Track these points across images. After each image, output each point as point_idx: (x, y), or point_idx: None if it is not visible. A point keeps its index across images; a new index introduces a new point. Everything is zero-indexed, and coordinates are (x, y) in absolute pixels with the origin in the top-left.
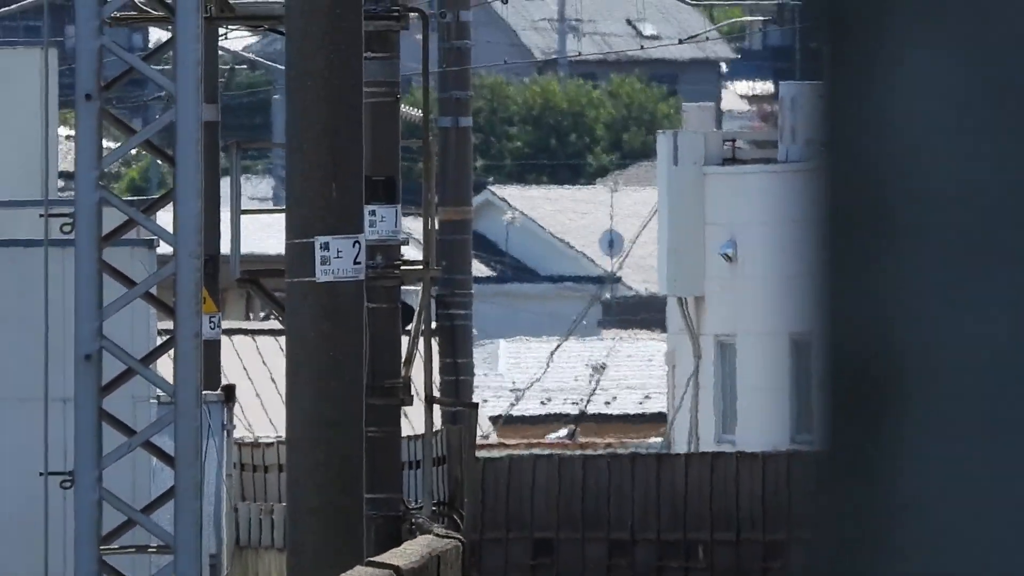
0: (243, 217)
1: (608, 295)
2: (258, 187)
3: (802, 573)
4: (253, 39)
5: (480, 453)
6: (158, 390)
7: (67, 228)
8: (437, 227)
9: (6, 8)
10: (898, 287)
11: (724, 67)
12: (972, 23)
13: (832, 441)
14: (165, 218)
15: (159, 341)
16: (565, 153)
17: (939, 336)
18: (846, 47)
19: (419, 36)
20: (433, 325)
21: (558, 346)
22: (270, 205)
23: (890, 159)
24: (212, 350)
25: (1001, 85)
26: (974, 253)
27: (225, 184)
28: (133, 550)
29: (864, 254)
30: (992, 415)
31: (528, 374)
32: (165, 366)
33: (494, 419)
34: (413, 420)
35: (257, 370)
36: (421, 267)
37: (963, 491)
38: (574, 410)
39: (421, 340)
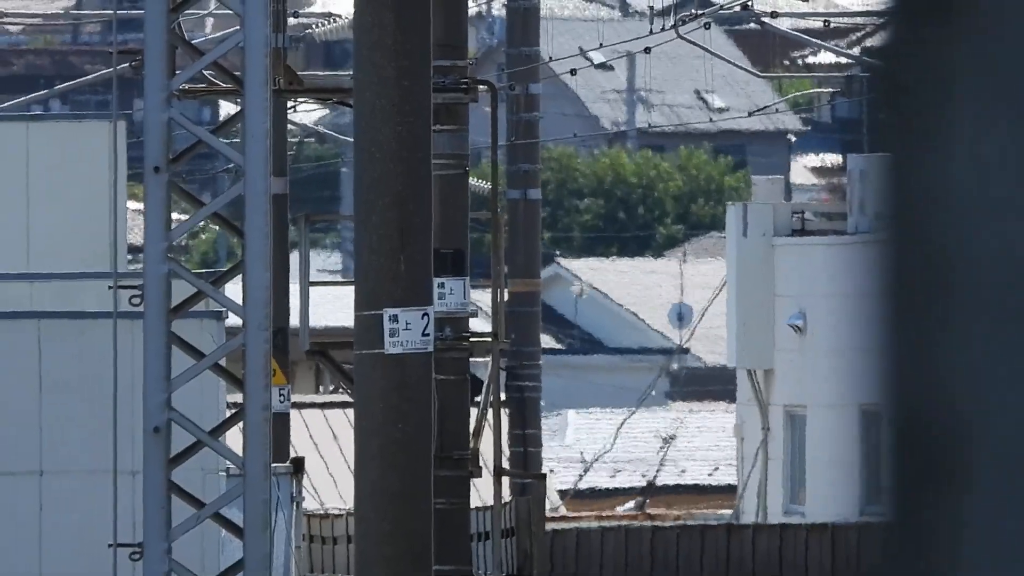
0: (312, 289)
1: (676, 366)
2: (327, 260)
3: None
4: (322, 112)
5: (549, 525)
6: (227, 462)
7: (136, 300)
8: (506, 299)
9: (77, 81)
10: (962, 358)
11: (793, 139)
12: None
13: (899, 513)
14: (234, 290)
15: (228, 413)
16: (633, 225)
17: (1003, 408)
18: (911, 120)
19: (488, 108)
20: (502, 397)
21: (627, 418)
22: (339, 278)
23: (953, 231)
24: (281, 422)
25: None
26: None
27: (294, 257)
28: None
29: (929, 326)
30: None
31: (596, 445)
32: (234, 438)
33: (563, 492)
34: (482, 492)
35: (326, 442)
36: (490, 339)
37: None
38: (643, 482)
39: (490, 412)
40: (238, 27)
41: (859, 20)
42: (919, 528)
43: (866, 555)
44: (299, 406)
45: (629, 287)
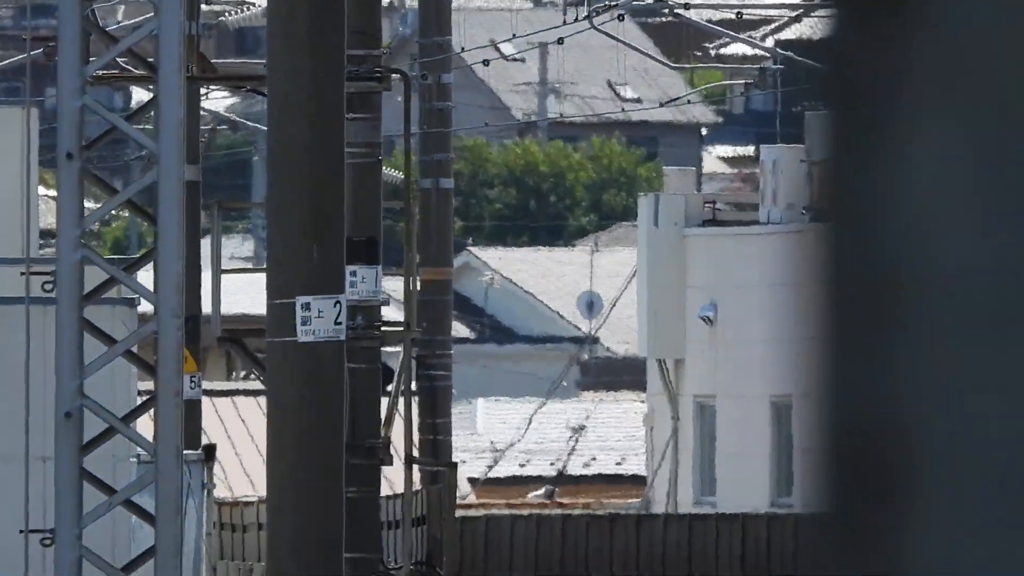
0: (224, 277)
1: (587, 356)
2: (240, 247)
3: None
4: (234, 99)
5: (459, 513)
6: (139, 449)
7: (48, 286)
8: (418, 288)
9: None
10: (903, 361)
11: (705, 131)
12: (982, 99)
13: (834, 508)
14: (146, 277)
15: (140, 400)
16: (545, 215)
17: (944, 410)
18: (856, 119)
19: (401, 98)
20: (413, 386)
21: (538, 408)
22: (251, 265)
23: (897, 232)
24: (193, 410)
25: (1011, 162)
26: (982, 328)
27: (206, 244)
28: None
29: (868, 325)
30: (999, 491)
31: (507, 435)
32: (146, 425)
33: (473, 480)
34: (392, 480)
35: (237, 430)
36: (402, 328)
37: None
38: (553, 471)
39: (401, 400)
40: (152, 14)
41: (772, 12)
42: (854, 523)
43: (803, 550)
44: (210, 393)
45: (540, 276)
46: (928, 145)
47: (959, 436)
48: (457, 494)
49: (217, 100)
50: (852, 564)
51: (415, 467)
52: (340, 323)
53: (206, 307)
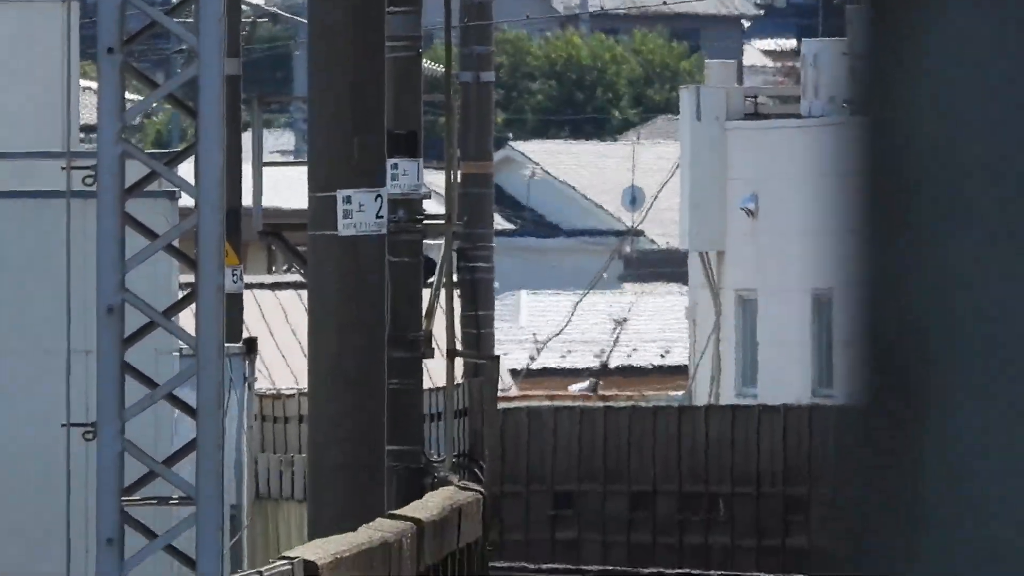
0: (265, 170)
1: (629, 249)
2: (280, 140)
3: (835, 526)
4: None
5: (501, 406)
6: (180, 343)
7: (89, 180)
8: (459, 181)
9: None
10: (936, 252)
11: (747, 24)
12: None
13: (867, 398)
14: (187, 171)
15: (181, 294)
16: (587, 108)
17: (979, 304)
18: (886, 6)
19: None
20: (455, 279)
21: (580, 300)
22: (292, 159)
23: (929, 122)
24: (234, 303)
25: None
26: (1019, 221)
27: (247, 138)
28: (155, 502)
29: (902, 216)
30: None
31: (549, 327)
32: (187, 319)
33: (515, 372)
34: (434, 373)
35: (278, 323)
36: (443, 221)
37: (990, 455)
38: (595, 363)
39: (443, 293)
40: None
41: None
42: (887, 413)
43: (831, 437)
44: (251, 287)
45: (582, 170)
46: (963, 37)
47: (993, 330)
48: (499, 386)
49: None
50: (883, 456)
51: (457, 360)
52: (381, 216)
53: (247, 201)
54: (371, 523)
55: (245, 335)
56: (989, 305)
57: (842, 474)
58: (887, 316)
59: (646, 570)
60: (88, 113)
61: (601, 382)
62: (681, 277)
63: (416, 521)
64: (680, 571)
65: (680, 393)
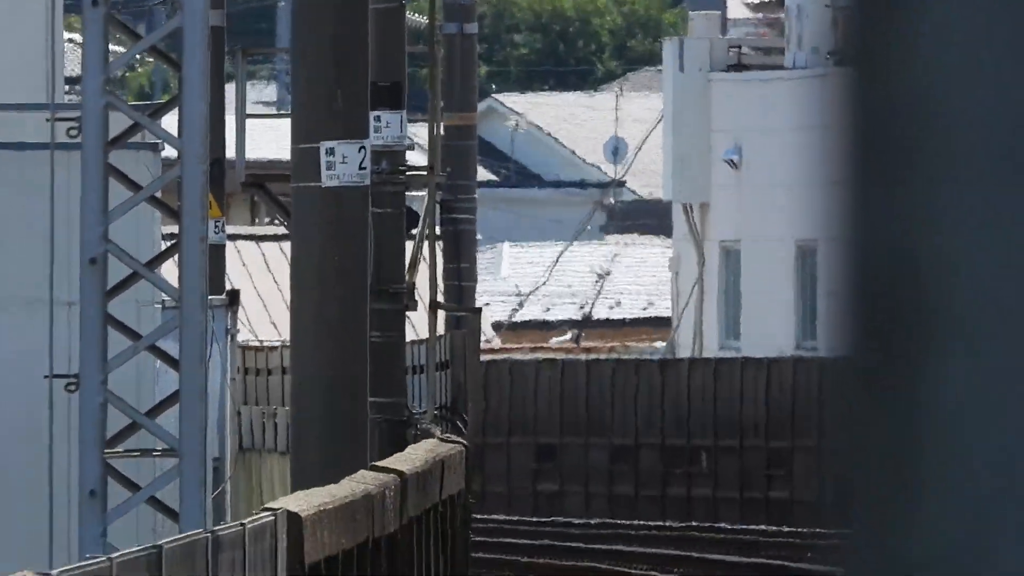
0: (248, 122)
1: (612, 201)
2: (263, 92)
3: (828, 477)
4: None
5: (484, 358)
6: (163, 294)
7: (73, 132)
8: (442, 133)
9: None
10: (926, 202)
11: None
12: None
13: (857, 349)
14: (171, 123)
15: (164, 246)
16: (570, 60)
17: (967, 253)
18: None
19: None
20: (437, 230)
21: (563, 251)
22: (275, 110)
23: (921, 74)
24: (217, 255)
25: None
26: (1004, 171)
27: (230, 89)
28: (137, 453)
29: (892, 168)
30: (1017, 333)
31: (531, 279)
32: (170, 271)
33: (497, 324)
34: (417, 325)
35: (261, 275)
36: (426, 172)
37: (984, 405)
38: (578, 315)
39: (426, 245)
40: None
41: None
42: (878, 365)
43: (824, 389)
44: (234, 238)
45: (565, 122)
46: None
47: (983, 279)
48: (481, 338)
49: None
50: (873, 408)
51: (440, 312)
52: (364, 168)
53: (230, 152)
54: (354, 475)
55: (228, 287)
56: (977, 253)
57: (833, 426)
58: (876, 266)
59: (628, 522)
60: (72, 65)
61: (584, 334)
62: (664, 229)
63: (399, 473)
64: (662, 523)
65: (663, 345)
